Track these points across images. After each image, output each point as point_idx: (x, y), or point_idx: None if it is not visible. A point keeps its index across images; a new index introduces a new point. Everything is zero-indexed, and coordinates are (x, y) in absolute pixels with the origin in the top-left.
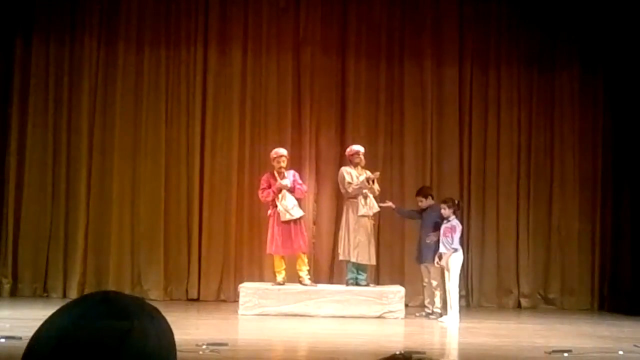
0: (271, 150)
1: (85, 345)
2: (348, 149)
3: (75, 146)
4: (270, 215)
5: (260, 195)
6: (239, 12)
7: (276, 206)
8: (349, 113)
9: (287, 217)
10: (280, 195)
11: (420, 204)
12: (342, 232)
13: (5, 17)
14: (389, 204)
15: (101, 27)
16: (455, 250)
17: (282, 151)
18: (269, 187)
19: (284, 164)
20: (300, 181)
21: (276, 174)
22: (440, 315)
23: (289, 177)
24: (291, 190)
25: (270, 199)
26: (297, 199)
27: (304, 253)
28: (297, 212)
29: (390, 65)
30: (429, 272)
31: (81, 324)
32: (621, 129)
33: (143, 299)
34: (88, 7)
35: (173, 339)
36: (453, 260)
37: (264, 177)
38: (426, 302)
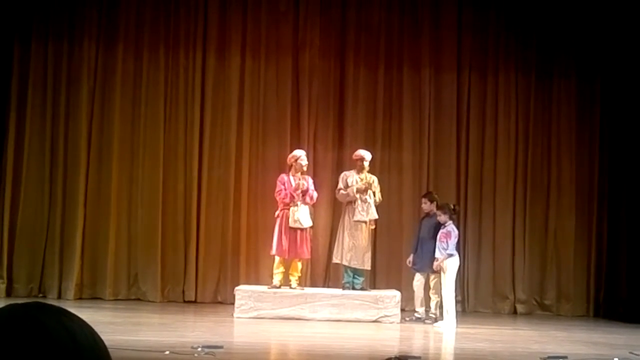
0: (269, 154)
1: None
2: (354, 153)
3: (73, 147)
4: (277, 216)
5: (277, 196)
6: (238, 16)
7: (287, 209)
8: (347, 118)
9: (297, 225)
10: (298, 201)
11: (423, 205)
12: (338, 235)
13: (4, 18)
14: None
15: (100, 29)
16: (450, 255)
17: (304, 153)
18: (285, 188)
19: (305, 167)
20: (312, 187)
21: (292, 177)
22: (436, 319)
23: (305, 182)
24: (303, 194)
25: (288, 200)
26: (307, 205)
27: (306, 260)
28: (306, 222)
29: (388, 71)
30: (428, 278)
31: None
32: (618, 137)
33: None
34: (87, 10)
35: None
36: (448, 265)
37: (280, 179)
38: (418, 307)
